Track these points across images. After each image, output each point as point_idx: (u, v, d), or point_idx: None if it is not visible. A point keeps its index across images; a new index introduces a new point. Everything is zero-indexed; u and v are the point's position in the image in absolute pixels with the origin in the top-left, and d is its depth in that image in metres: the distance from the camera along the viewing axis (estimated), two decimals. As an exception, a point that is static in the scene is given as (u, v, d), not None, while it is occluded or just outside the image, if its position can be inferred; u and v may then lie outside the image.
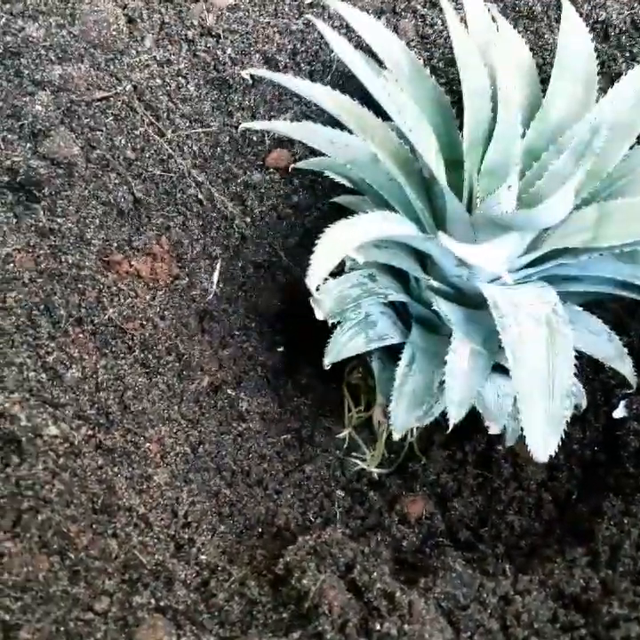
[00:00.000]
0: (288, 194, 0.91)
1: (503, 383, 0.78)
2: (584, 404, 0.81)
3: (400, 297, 0.78)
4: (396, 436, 0.78)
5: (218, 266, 0.89)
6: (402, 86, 0.75)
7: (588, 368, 0.90)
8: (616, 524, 0.74)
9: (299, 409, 0.94)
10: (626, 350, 0.78)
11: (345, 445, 0.93)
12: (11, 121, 0.80)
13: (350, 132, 0.73)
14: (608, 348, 0.78)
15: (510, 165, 0.70)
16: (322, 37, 0.90)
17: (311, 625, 0.62)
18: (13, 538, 0.63)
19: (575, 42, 0.81)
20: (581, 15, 0.91)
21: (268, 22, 0.89)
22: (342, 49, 0.70)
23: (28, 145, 0.80)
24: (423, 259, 0.79)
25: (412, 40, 0.91)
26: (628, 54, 0.93)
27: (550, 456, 0.86)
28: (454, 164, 0.74)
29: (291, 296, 0.98)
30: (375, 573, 0.64)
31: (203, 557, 0.71)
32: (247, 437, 0.87)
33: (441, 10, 0.93)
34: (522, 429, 0.64)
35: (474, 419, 0.79)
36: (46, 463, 0.68)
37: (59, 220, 0.79)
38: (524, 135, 0.75)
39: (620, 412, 0.86)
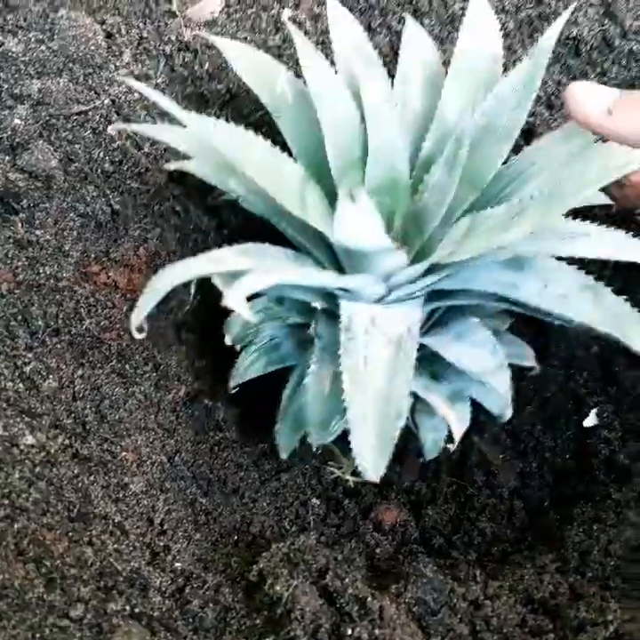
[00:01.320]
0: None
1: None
2: (508, 414, 0.78)
3: (301, 319, 0.80)
4: (283, 456, 0.82)
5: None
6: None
7: (558, 376, 0.92)
8: (585, 531, 0.76)
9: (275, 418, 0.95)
10: (506, 363, 0.74)
11: (320, 452, 0.94)
12: (-11, 134, 0.81)
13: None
14: (488, 361, 0.74)
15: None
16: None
17: (284, 630, 0.63)
18: (-11, 546, 0.64)
19: (476, 37, 0.77)
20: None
21: (245, 37, 0.90)
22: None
23: (7, 158, 0.81)
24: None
25: (387, 56, 0.93)
26: (599, 70, 0.95)
27: (521, 466, 0.88)
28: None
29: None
30: (347, 579, 0.65)
31: (178, 565, 0.72)
32: (223, 446, 0.88)
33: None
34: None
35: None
36: (23, 472, 0.69)
37: (37, 231, 0.80)
38: (420, 148, 0.75)
39: (590, 421, 0.88)
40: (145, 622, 0.66)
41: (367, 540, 0.82)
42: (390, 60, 0.93)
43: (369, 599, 0.64)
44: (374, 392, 0.65)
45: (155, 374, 0.84)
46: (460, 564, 0.77)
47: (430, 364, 0.75)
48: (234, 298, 0.57)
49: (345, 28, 0.79)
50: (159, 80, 0.87)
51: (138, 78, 0.86)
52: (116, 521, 0.72)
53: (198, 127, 0.64)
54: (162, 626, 0.66)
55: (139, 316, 0.62)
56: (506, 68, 0.84)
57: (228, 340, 0.78)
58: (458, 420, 0.75)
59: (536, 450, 0.89)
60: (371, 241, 0.62)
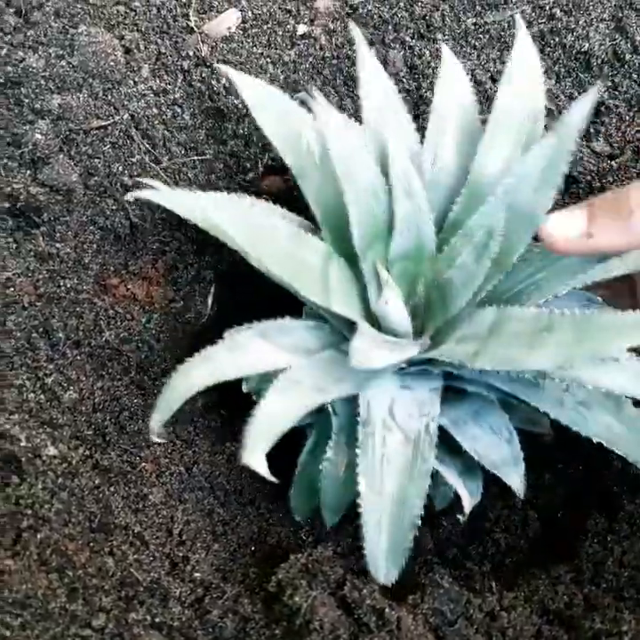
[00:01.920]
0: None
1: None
2: (473, 502, 0.76)
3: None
4: (297, 519, 0.83)
5: (212, 289, 0.91)
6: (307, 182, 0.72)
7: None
8: (599, 542, 0.77)
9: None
10: (522, 455, 0.73)
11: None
12: (11, 148, 0.82)
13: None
14: (504, 450, 0.73)
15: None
16: (314, 68, 0.93)
17: (303, 640, 0.64)
18: (13, 556, 0.65)
19: (518, 91, 0.73)
20: (564, 46, 0.95)
21: (262, 53, 0.91)
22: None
23: (28, 172, 0.82)
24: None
25: (401, 71, 0.94)
26: (609, 84, 0.96)
27: (534, 477, 0.89)
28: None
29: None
30: (365, 590, 0.66)
31: (197, 575, 0.73)
32: (240, 457, 0.89)
33: (429, 40, 0.96)
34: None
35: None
36: (45, 483, 0.70)
37: (57, 245, 0.81)
38: (450, 209, 0.73)
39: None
40: (165, 632, 0.67)
41: (383, 550, 0.82)
42: (404, 74, 0.94)
43: (387, 610, 0.64)
44: (389, 497, 0.66)
45: (172, 386, 0.85)
46: (476, 575, 0.77)
47: (445, 435, 0.74)
48: (254, 461, 0.59)
49: (375, 83, 0.75)
50: (177, 95, 0.88)
51: (155, 93, 0.87)
52: (136, 531, 0.73)
53: (208, 214, 0.65)
54: (182, 636, 0.67)
55: (157, 422, 0.63)
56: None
57: (244, 388, 0.77)
58: (469, 495, 0.75)
59: (550, 461, 0.90)
60: (386, 363, 0.63)
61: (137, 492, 0.76)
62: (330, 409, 0.74)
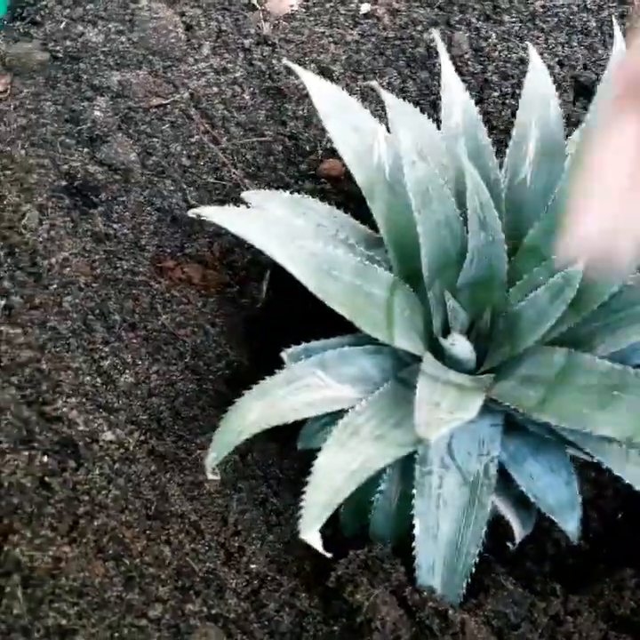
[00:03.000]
0: (339, 203, 0.91)
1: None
2: (524, 533, 0.75)
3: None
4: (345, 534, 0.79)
5: (267, 274, 0.89)
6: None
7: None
8: (664, 545, 0.74)
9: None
10: (580, 499, 0.71)
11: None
12: (69, 125, 0.81)
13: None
14: (562, 493, 0.71)
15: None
16: (376, 48, 0.91)
17: (363, 639, 0.62)
18: (70, 543, 0.64)
19: None
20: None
21: (324, 32, 0.89)
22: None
23: (86, 150, 0.81)
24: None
25: (466, 53, 0.91)
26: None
27: (594, 475, 0.87)
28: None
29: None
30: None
31: (253, 566, 0.71)
32: (293, 445, 0.87)
33: (495, 22, 0.94)
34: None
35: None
36: (102, 468, 0.69)
37: (114, 225, 0.80)
38: (525, 232, 0.70)
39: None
40: (221, 624, 0.66)
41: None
42: (469, 56, 0.91)
43: (450, 612, 0.63)
44: (444, 542, 0.65)
45: (227, 372, 0.84)
46: (536, 576, 0.76)
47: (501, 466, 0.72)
48: (311, 536, 0.59)
49: (457, 104, 0.74)
50: (237, 74, 0.86)
51: (216, 72, 0.86)
52: (191, 520, 0.72)
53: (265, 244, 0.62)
54: (238, 628, 0.66)
55: (213, 462, 0.63)
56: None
57: (299, 446, 0.77)
58: (521, 526, 0.73)
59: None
60: (450, 429, 0.60)
61: (192, 479, 0.75)
62: None
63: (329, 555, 0.58)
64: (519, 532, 0.73)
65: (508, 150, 0.74)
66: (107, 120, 0.81)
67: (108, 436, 0.71)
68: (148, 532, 0.68)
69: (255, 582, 0.70)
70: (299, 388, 0.65)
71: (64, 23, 0.83)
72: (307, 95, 0.88)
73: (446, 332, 0.70)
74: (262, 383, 0.64)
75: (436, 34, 0.79)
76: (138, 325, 0.79)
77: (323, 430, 0.74)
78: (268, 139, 0.88)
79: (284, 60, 0.83)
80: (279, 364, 0.92)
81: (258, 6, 0.89)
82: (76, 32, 0.83)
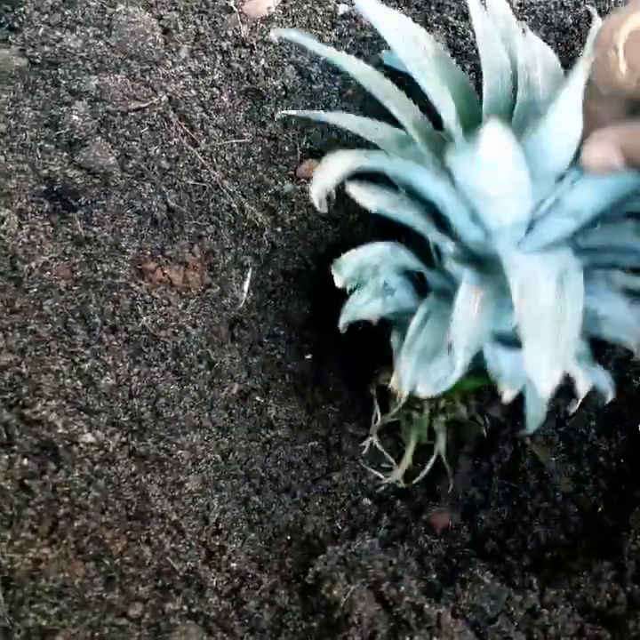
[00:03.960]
0: (319, 204, 0.92)
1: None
2: (610, 395, 0.75)
3: (418, 266, 0.78)
4: (404, 392, 0.75)
5: (249, 275, 0.90)
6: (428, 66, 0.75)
7: (613, 380, 0.90)
8: (642, 539, 0.75)
9: (326, 416, 0.94)
10: None
11: (367, 452, 0.93)
12: (48, 130, 0.81)
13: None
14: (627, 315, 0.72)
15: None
16: (354, 49, 0.91)
17: (341, 635, 0.63)
18: (50, 544, 0.65)
19: None
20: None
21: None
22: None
23: (65, 154, 0.81)
24: (439, 220, 0.77)
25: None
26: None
27: (575, 469, 0.88)
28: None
29: (319, 304, 0.99)
30: (403, 587, 0.65)
31: (233, 565, 0.72)
32: (275, 444, 0.88)
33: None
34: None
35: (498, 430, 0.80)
36: (82, 470, 0.70)
37: (94, 228, 0.80)
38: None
39: (646, 425, 0.87)
40: (202, 622, 0.67)
41: (420, 542, 0.81)
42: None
43: (426, 606, 0.64)
44: (546, 306, 0.62)
45: (209, 372, 0.85)
46: (515, 569, 0.76)
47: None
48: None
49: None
50: (215, 76, 0.87)
51: (194, 74, 0.86)
52: (172, 519, 0.72)
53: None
54: (218, 626, 0.67)
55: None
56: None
57: (338, 282, 0.74)
58: (584, 379, 0.69)
59: (590, 454, 0.88)
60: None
61: (173, 479, 0.76)
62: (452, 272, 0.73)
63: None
64: (582, 385, 0.69)
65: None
66: (85, 124, 0.81)
67: (89, 437, 0.72)
68: (128, 532, 0.69)
69: (236, 580, 0.71)
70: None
71: (42, 29, 0.83)
72: (286, 96, 0.89)
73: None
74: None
75: None
76: (118, 327, 0.80)
77: (368, 305, 0.78)
78: (248, 140, 0.88)
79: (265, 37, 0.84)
80: (262, 363, 0.93)
81: (235, 9, 0.89)
82: (54, 37, 0.83)
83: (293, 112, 0.83)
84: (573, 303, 0.63)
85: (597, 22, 0.81)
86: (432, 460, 0.88)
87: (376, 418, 0.92)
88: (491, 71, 0.74)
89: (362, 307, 0.78)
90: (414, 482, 0.90)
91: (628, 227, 0.71)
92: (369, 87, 0.76)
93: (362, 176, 0.69)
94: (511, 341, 0.73)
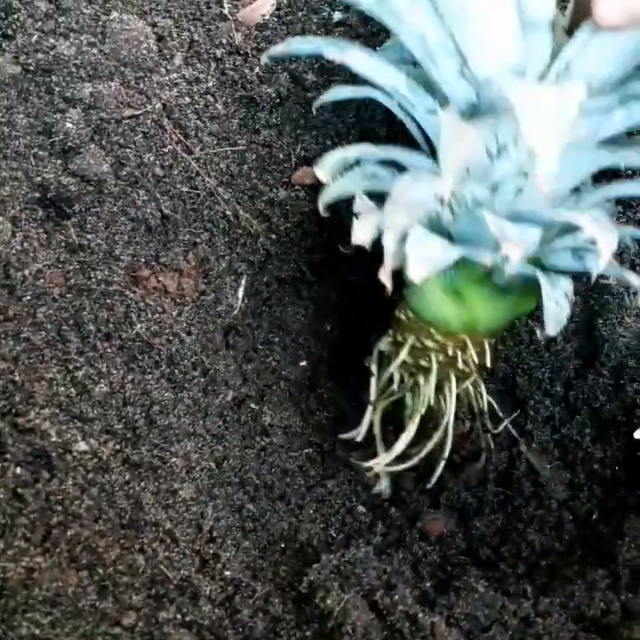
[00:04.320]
0: (313, 211, 0.92)
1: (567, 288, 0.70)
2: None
3: (405, 155, 0.74)
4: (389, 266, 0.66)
5: (243, 282, 0.90)
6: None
7: (608, 386, 0.91)
8: (637, 546, 0.75)
9: (321, 423, 0.94)
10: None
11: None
12: (42, 137, 0.81)
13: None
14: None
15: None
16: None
17: (335, 644, 0.63)
18: (43, 553, 0.65)
19: None
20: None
21: (296, 41, 0.90)
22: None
23: (59, 162, 0.81)
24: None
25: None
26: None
27: (570, 477, 0.87)
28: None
29: (314, 311, 0.99)
30: (397, 596, 0.65)
31: (227, 573, 0.72)
32: (270, 452, 0.88)
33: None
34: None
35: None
36: (76, 478, 0.69)
37: (88, 236, 0.80)
38: None
39: (640, 433, 0.87)
40: (195, 631, 0.67)
41: (414, 550, 0.81)
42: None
43: (420, 615, 0.63)
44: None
45: (203, 379, 0.84)
46: (509, 578, 0.76)
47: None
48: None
49: None
50: (209, 84, 0.87)
51: (188, 82, 0.86)
52: (166, 528, 0.72)
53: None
54: (212, 635, 0.67)
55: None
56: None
57: (321, 176, 0.72)
58: (605, 237, 0.61)
59: (585, 461, 0.88)
60: None
61: (167, 487, 0.75)
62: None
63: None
64: (605, 242, 0.61)
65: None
66: (79, 132, 0.81)
67: (82, 446, 0.72)
68: (121, 540, 0.69)
69: (229, 589, 0.71)
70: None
71: (36, 36, 0.83)
72: (280, 103, 0.89)
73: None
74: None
75: None
76: (113, 335, 0.80)
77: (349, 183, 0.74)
78: (242, 148, 0.88)
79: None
80: (256, 371, 0.93)
81: (230, 16, 0.90)
82: (47, 45, 0.83)
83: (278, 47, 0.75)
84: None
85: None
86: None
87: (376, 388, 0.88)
88: None
89: (346, 184, 0.73)
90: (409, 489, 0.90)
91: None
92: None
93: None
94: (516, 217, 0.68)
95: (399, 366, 0.85)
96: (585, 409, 0.91)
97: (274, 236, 0.91)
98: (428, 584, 0.73)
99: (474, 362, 0.81)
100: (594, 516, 0.84)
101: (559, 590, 0.72)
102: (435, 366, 0.82)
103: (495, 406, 0.87)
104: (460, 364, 0.81)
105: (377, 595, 0.65)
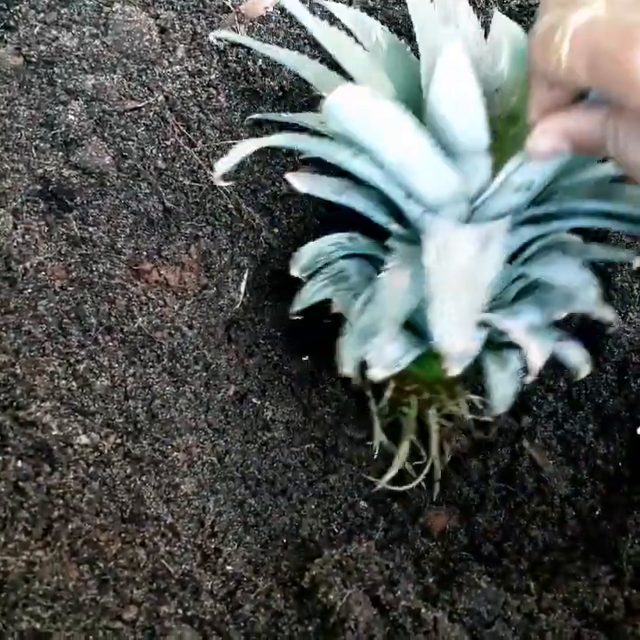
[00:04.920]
0: (315, 205, 0.91)
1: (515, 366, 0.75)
2: (586, 370, 0.74)
3: (373, 252, 0.77)
4: (346, 371, 0.74)
5: (245, 276, 0.90)
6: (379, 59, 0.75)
7: (611, 382, 0.90)
8: (640, 542, 0.75)
9: (322, 418, 0.94)
10: (595, 281, 0.68)
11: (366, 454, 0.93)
12: (43, 129, 0.81)
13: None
14: (575, 275, 0.69)
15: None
16: (352, 49, 0.91)
17: (336, 639, 0.63)
18: (44, 547, 0.65)
19: None
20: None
21: (299, 34, 0.89)
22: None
23: (61, 154, 0.81)
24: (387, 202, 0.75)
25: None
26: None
27: (573, 472, 0.87)
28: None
29: (316, 305, 0.98)
30: (399, 591, 0.65)
31: (229, 568, 0.72)
32: (272, 447, 0.88)
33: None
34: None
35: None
36: (77, 472, 0.69)
37: (90, 228, 0.80)
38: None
39: (644, 429, 0.86)
40: (196, 625, 0.66)
41: (416, 545, 0.81)
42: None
43: (423, 611, 0.63)
44: (457, 267, 0.62)
45: (205, 374, 0.84)
46: (512, 573, 0.76)
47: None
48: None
49: None
50: (212, 76, 0.86)
51: (191, 74, 0.85)
52: (167, 522, 0.72)
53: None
54: (213, 630, 0.66)
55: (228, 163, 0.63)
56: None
57: (294, 271, 0.76)
58: (537, 350, 0.67)
59: (588, 457, 0.88)
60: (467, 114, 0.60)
61: (168, 481, 0.75)
62: (390, 244, 0.72)
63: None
64: (536, 356, 0.67)
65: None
66: (81, 124, 0.81)
67: (83, 439, 0.71)
68: (122, 534, 0.69)
69: (231, 583, 0.71)
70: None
71: (38, 28, 0.83)
72: (283, 96, 0.89)
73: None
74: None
75: None
76: (114, 328, 0.79)
77: (320, 291, 0.79)
78: (244, 140, 0.88)
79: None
80: (258, 365, 0.93)
81: (232, 9, 0.89)
82: (49, 36, 0.82)
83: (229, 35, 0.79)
84: (490, 269, 0.62)
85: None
86: (429, 461, 0.88)
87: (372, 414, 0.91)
88: (426, 51, 0.70)
89: (315, 293, 0.79)
90: (412, 484, 0.90)
91: (582, 189, 0.69)
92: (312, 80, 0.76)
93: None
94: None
95: (388, 399, 0.88)
96: (588, 404, 0.90)
97: (276, 230, 0.91)
98: (431, 579, 0.72)
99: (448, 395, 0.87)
100: (597, 512, 0.84)
101: (562, 586, 0.71)
102: (414, 404, 0.88)
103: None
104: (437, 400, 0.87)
105: (379, 590, 0.65)
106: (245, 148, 0.65)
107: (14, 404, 0.70)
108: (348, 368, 0.74)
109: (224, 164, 0.64)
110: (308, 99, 0.88)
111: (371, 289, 0.75)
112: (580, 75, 0.49)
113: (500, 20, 0.80)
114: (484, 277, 0.61)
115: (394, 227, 0.73)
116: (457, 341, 0.60)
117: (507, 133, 0.72)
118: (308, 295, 0.79)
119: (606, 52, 0.46)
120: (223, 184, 0.64)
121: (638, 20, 0.45)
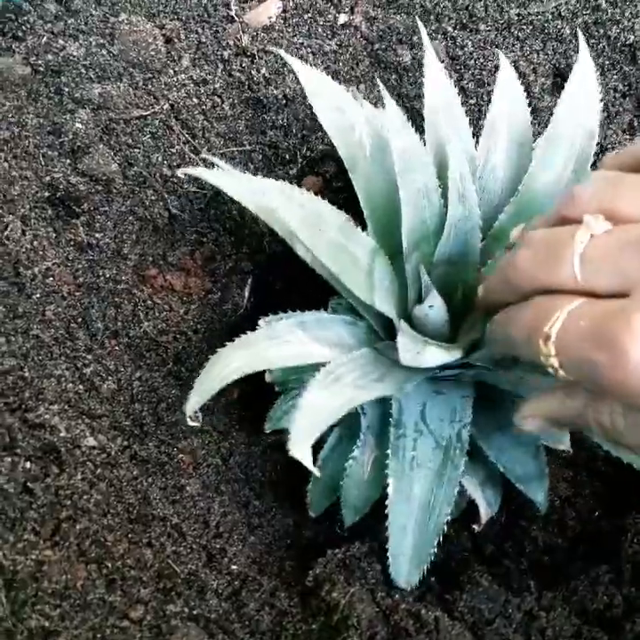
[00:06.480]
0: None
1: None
2: (490, 513, 0.77)
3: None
4: (311, 514, 0.80)
5: (249, 281, 0.91)
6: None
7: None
8: (639, 542, 0.76)
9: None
10: (547, 470, 0.74)
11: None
12: (51, 137, 0.82)
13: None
14: (530, 464, 0.74)
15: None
16: (354, 59, 0.92)
17: (340, 637, 0.64)
18: (53, 546, 0.66)
19: (575, 108, 0.73)
20: (609, 38, 0.93)
21: (302, 43, 0.91)
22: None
23: (68, 161, 0.82)
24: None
25: (443, 61, 0.93)
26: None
27: (572, 474, 0.88)
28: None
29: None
30: (397, 595, 0.66)
31: (234, 567, 0.73)
32: (275, 448, 0.89)
33: (471, 31, 0.95)
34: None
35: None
36: (84, 473, 0.70)
37: (97, 235, 0.81)
38: (496, 218, 0.72)
39: (643, 431, 0.87)
40: (202, 624, 0.67)
41: (419, 546, 0.82)
42: (445, 65, 0.93)
43: (423, 612, 0.64)
44: (417, 502, 0.67)
45: (210, 377, 0.85)
46: (513, 573, 0.77)
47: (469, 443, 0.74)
48: (300, 453, 0.55)
49: (438, 85, 0.77)
50: (217, 85, 0.88)
51: (196, 83, 0.87)
52: (173, 523, 0.73)
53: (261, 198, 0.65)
54: (219, 628, 0.67)
55: (194, 406, 0.62)
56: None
57: (267, 378, 0.78)
58: (486, 505, 0.75)
59: (588, 459, 0.89)
60: (437, 362, 0.64)
61: (174, 483, 0.76)
62: (358, 408, 0.74)
63: (317, 472, 0.57)
64: (485, 511, 0.75)
65: (480, 142, 0.77)
66: (88, 132, 0.82)
67: (91, 441, 0.72)
68: (129, 535, 0.70)
69: (236, 583, 0.72)
70: (280, 343, 0.66)
71: (45, 38, 0.85)
72: (286, 105, 0.90)
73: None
74: (243, 337, 0.65)
75: (422, 32, 0.81)
76: (120, 333, 0.81)
77: (291, 412, 0.76)
78: (248, 148, 0.89)
79: (276, 49, 0.85)
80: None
81: (237, 18, 0.91)
82: (57, 46, 0.84)
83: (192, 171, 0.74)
84: (451, 482, 0.68)
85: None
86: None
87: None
88: (410, 195, 0.66)
89: (280, 418, 0.80)
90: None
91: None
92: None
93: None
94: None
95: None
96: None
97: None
98: (433, 579, 0.73)
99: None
100: (596, 513, 0.85)
101: (562, 585, 0.72)
102: None
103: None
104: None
105: (379, 594, 0.66)
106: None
107: (23, 406, 0.71)
108: (313, 514, 0.81)
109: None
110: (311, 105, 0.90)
111: (335, 435, 0.79)
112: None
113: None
114: (442, 513, 0.69)
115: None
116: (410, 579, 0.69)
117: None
118: (278, 417, 0.80)
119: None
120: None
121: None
